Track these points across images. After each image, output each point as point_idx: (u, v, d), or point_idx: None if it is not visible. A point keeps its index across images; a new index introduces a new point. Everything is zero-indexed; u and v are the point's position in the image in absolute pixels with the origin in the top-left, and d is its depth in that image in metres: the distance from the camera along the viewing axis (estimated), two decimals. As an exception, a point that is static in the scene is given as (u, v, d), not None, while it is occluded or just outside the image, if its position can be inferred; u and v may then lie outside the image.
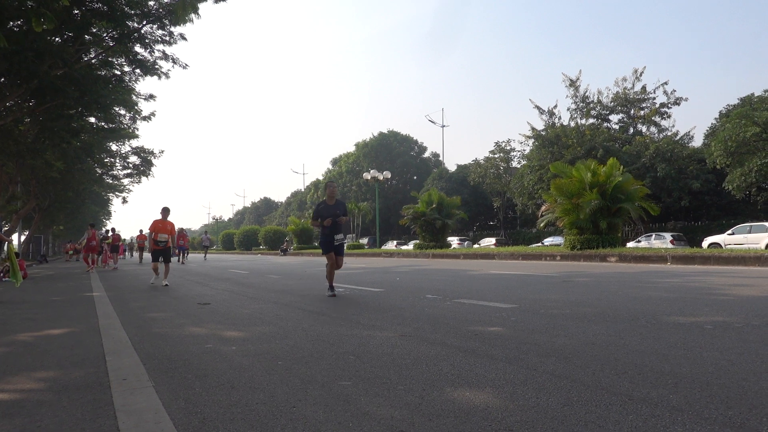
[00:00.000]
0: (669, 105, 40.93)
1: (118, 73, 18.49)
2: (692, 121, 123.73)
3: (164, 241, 11.25)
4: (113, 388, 2.97)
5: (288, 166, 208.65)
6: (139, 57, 16.77)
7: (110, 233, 24.57)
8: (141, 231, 27.83)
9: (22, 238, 38.69)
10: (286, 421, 2.33)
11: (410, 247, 37.33)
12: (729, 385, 2.64)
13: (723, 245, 23.54)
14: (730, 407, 2.31)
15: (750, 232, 23.55)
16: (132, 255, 43.72)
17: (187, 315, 6.13)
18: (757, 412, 2.25)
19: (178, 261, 25.74)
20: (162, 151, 32.00)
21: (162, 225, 11.34)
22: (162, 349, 4.10)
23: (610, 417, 2.24)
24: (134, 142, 31.65)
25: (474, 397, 2.60)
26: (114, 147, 31.18)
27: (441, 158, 67.80)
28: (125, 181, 36.81)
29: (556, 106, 43.83)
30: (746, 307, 5.28)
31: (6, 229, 32.50)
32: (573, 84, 42.75)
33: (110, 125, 24.09)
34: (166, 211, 11.53)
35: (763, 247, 21.34)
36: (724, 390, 2.55)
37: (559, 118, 43.25)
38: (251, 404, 2.60)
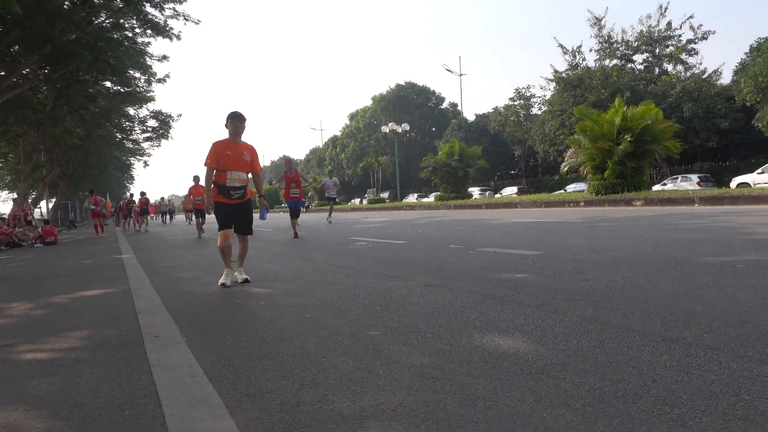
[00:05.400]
0: (696, 40, 39.04)
1: (130, 35, 18.36)
2: (721, 58, 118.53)
3: (241, 187, 5.19)
4: (147, 344, 3.04)
5: (306, 123, 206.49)
6: (149, 17, 16.59)
7: (136, 197, 24.87)
8: (197, 180, 15.04)
9: (50, 205, 39.64)
10: (317, 371, 2.35)
11: (431, 199, 37.21)
12: (765, 322, 2.58)
13: (752, 185, 22.95)
14: (768, 344, 2.26)
15: (781, 170, 22.89)
16: (173, 219, 35.42)
17: (215, 273, 6.21)
18: (796, 348, 2.20)
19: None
20: (180, 115, 32.03)
21: (235, 151, 5.09)
22: (192, 307, 4.17)
23: (643, 358, 2.20)
24: (151, 106, 31.69)
25: (503, 342, 2.58)
26: (132, 111, 31.35)
27: (459, 108, 66.61)
28: (145, 144, 37.21)
29: (580, 46, 41.98)
30: (780, 245, 5.14)
31: (33, 196, 33.29)
32: (598, 22, 40.93)
33: (126, 89, 24.11)
34: (237, 120, 5.05)
35: (794, 184, 20.74)
36: (760, 327, 2.49)
37: (584, 59, 41.75)
38: (282, 356, 2.63)
